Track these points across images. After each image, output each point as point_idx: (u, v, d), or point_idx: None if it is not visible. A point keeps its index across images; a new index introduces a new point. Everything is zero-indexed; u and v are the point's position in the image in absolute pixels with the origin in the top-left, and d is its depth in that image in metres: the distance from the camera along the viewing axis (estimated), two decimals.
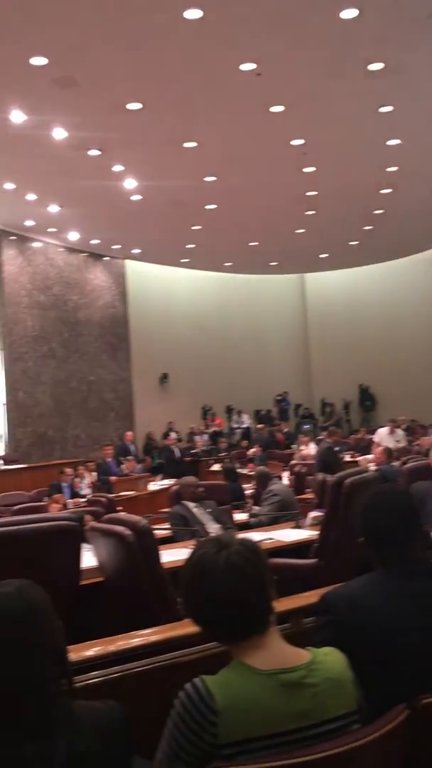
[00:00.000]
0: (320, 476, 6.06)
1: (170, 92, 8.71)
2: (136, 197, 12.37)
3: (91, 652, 2.17)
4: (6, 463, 12.42)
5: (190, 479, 6.07)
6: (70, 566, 3.04)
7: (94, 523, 4.13)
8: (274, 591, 1.56)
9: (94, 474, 11.62)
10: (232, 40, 7.71)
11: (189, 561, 1.56)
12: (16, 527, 2.98)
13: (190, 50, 7.85)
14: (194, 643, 2.25)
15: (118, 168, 11.08)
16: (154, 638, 2.36)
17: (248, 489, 8.66)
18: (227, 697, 1.38)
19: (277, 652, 1.47)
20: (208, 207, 13.10)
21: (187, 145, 10.27)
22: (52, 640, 1.32)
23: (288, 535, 4.91)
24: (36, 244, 15.07)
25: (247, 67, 8.24)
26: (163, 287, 18.14)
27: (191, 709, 1.37)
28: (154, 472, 13.51)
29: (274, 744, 1.37)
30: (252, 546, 1.56)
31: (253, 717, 1.37)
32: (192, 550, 1.60)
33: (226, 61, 8.13)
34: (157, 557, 3.17)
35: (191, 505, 5.70)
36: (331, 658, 1.50)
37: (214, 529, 5.54)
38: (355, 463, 9.75)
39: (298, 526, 5.12)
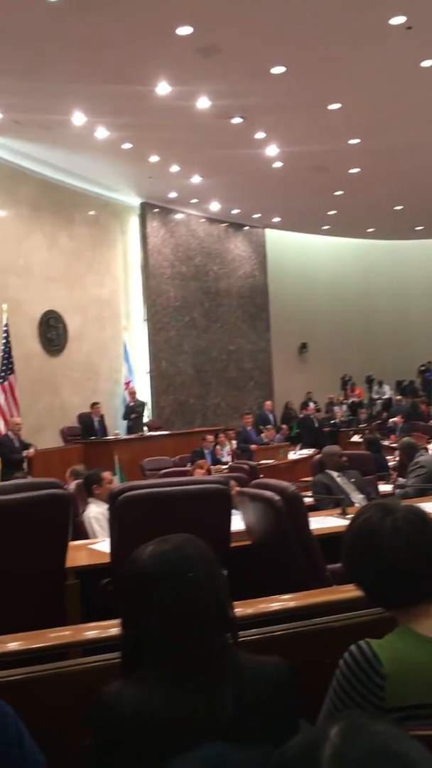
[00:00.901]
0: None
1: (315, 53, 8.49)
2: (277, 164, 12.25)
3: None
4: (150, 430, 12.88)
5: (334, 448, 6.00)
6: (221, 528, 3.10)
7: (240, 488, 4.20)
8: None
9: (234, 442, 11.81)
10: None
11: (352, 526, 1.54)
12: (170, 488, 3.09)
13: (336, 7, 7.58)
14: (338, 610, 2.24)
15: (260, 135, 11.00)
16: (292, 603, 2.36)
17: (390, 460, 8.48)
18: (394, 662, 1.36)
19: None
20: (351, 171, 12.74)
21: (331, 107, 10.01)
22: (213, 593, 1.34)
23: None
24: (178, 216, 15.34)
25: (397, 20, 7.87)
26: (303, 256, 17.94)
27: (357, 671, 1.36)
28: (293, 441, 13.53)
29: None
30: (419, 512, 1.51)
31: (420, 684, 1.35)
32: (355, 515, 1.57)
33: (374, 16, 7.79)
34: (306, 523, 3.17)
35: (334, 474, 5.65)
36: None
37: (357, 499, 5.46)
38: None
39: None
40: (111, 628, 2.19)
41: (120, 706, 1.25)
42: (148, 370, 14.67)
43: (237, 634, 1.37)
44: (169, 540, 1.37)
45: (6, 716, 1.17)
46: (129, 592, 1.35)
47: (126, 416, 12.94)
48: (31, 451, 9.66)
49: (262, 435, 12.04)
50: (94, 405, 12.14)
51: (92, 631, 2.29)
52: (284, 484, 3.32)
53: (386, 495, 5.98)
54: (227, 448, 11.35)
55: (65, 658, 2.15)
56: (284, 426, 14.67)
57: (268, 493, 3.19)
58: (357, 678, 1.35)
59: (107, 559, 3.33)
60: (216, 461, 10.26)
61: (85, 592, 3.31)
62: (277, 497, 3.12)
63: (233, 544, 3.45)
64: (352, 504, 5.16)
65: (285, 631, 2.18)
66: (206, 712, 1.23)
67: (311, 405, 15.76)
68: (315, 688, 1.48)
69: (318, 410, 15.95)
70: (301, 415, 15.46)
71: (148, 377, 14.67)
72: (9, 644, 2.06)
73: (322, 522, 4.23)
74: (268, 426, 12.59)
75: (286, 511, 3.07)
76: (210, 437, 10.85)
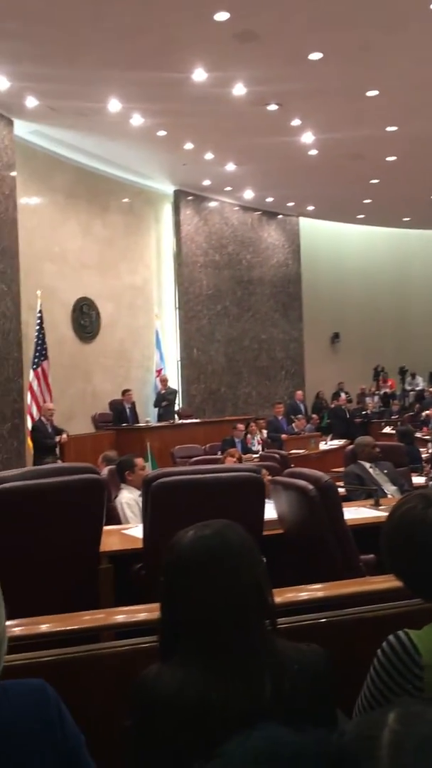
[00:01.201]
0: None
1: (353, 38, 8.35)
2: (312, 152, 12.13)
3: None
4: (181, 418, 12.92)
5: (367, 439, 5.96)
6: (254, 516, 3.10)
7: (270, 477, 4.19)
8: None
9: (265, 431, 11.80)
10: None
11: (393, 516, 1.52)
12: (204, 475, 3.09)
13: None
14: (369, 600, 2.23)
15: (295, 122, 10.90)
16: (320, 594, 2.35)
17: (424, 452, 8.41)
18: None
19: None
20: (388, 159, 12.56)
21: (369, 93, 9.87)
22: (252, 578, 1.34)
23: None
24: (212, 204, 15.29)
25: None
26: (337, 245, 17.77)
27: (396, 661, 1.35)
28: (323, 431, 13.47)
29: None
30: None
31: None
32: (395, 506, 1.55)
33: (415, 1, 7.65)
34: (340, 513, 3.15)
35: (367, 465, 5.62)
36: None
37: (390, 490, 5.43)
38: None
39: None
40: (142, 612, 2.21)
41: (158, 688, 1.26)
42: (179, 358, 14.70)
43: (276, 621, 1.37)
44: (209, 525, 1.37)
45: (48, 696, 1.19)
46: (168, 576, 1.35)
47: (157, 404, 12.98)
48: (64, 436, 9.75)
49: (293, 425, 12.01)
50: (125, 392, 12.20)
51: (124, 615, 2.30)
52: (318, 473, 3.30)
53: (419, 487, 5.92)
54: (257, 437, 11.34)
55: (98, 641, 2.17)
56: (314, 416, 14.62)
57: (302, 483, 3.18)
58: (395, 668, 1.34)
59: (140, 545, 3.35)
60: (246, 450, 10.25)
61: (118, 577, 3.34)
62: (311, 487, 3.11)
63: (265, 533, 3.45)
64: (384, 495, 5.13)
65: (314, 621, 2.18)
66: (244, 696, 1.24)
67: (343, 395, 15.67)
68: (347, 678, 1.47)
69: (350, 401, 15.85)
70: (333, 406, 15.38)
71: (178, 365, 14.69)
72: (43, 625, 2.09)
73: (354, 513, 4.21)
74: (299, 416, 12.54)
75: (320, 500, 3.06)
76: (240, 426, 10.84)
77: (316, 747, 0.67)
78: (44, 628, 2.09)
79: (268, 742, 0.67)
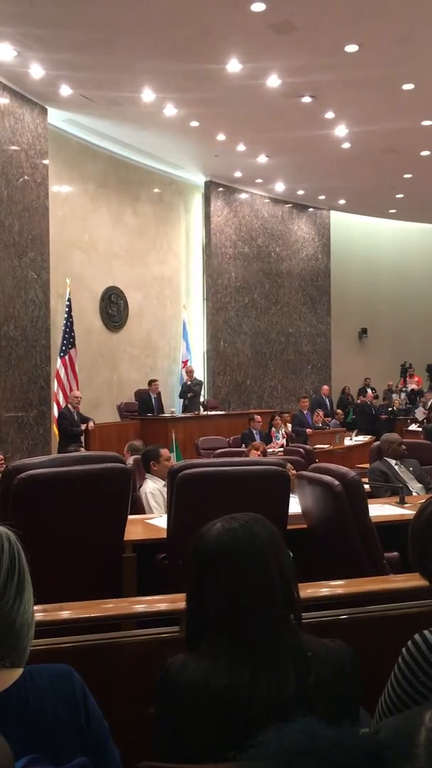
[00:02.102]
0: None
1: (391, 31, 8.24)
2: (345, 145, 12.02)
3: None
4: (206, 409, 12.93)
5: (393, 436, 5.91)
6: (278, 510, 3.10)
7: (295, 471, 4.17)
8: None
9: (289, 425, 11.76)
10: None
11: (422, 514, 1.51)
12: (230, 468, 3.08)
13: None
14: (391, 599, 2.21)
15: (329, 115, 10.79)
16: (340, 591, 2.34)
17: None
18: None
19: None
20: (423, 153, 12.40)
21: (405, 87, 9.73)
22: (279, 572, 1.34)
23: None
24: (242, 195, 15.23)
25: None
26: (367, 239, 17.61)
27: (421, 661, 1.34)
28: (348, 427, 13.40)
29: None
30: None
31: None
32: (425, 504, 1.54)
33: None
34: (365, 510, 3.13)
35: (392, 462, 5.58)
36: None
37: (416, 488, 5.39)
38: None
39: None
40: (164, 602, 2.22)
41: (185, 678, 1.26)
42: (205, 349, 14.69)
43: (301, 615, 1.37)
44: (237, 518, 1.37)
45: (74, 681, 1.20)
46: (195, 568, 1.35)
47: (182, 395, 13.01)
48: (91, 424, 9.81)
49: (315, 418, 11.96)
50: (152, 382, 12.23)
51: (146, 604, 2.31)
52: (344, 469, 3.28)
53: None
54: (282, 431, 11.31)
55: (120, 629, 2.19)
56: (339, 411, 14.54)
57: (328, 478, 3.16)
58: (420, 668, 1.33)
59: (163, 535, 3.36)
60: (267, 442, 10.21)
61: (140, 566, 3.36)
62: (336, 483, 3.09)
63: (288, 527, 3.44)
64: (409, 493, 5.09)
65: (334, 617, 2.17)
66: (268, 688, 1.24)
67: (369, 392, 15.55)
68: (367, 675, 1.46)
69: (376, 397, 15.75)
70: (359, 402, 15.29)
71: (205, 357, 14.70)
72: (66, 612, 2.11)
73: (378, 510, 4.18)
74: (318, 410, 12.47)
75: (345, 497, 3.04)
76: (258, 417, 10.79)
77: (354, 742, 0.67)
78: (67, 614, 2.11)
79: (306, 735, 0.67)
